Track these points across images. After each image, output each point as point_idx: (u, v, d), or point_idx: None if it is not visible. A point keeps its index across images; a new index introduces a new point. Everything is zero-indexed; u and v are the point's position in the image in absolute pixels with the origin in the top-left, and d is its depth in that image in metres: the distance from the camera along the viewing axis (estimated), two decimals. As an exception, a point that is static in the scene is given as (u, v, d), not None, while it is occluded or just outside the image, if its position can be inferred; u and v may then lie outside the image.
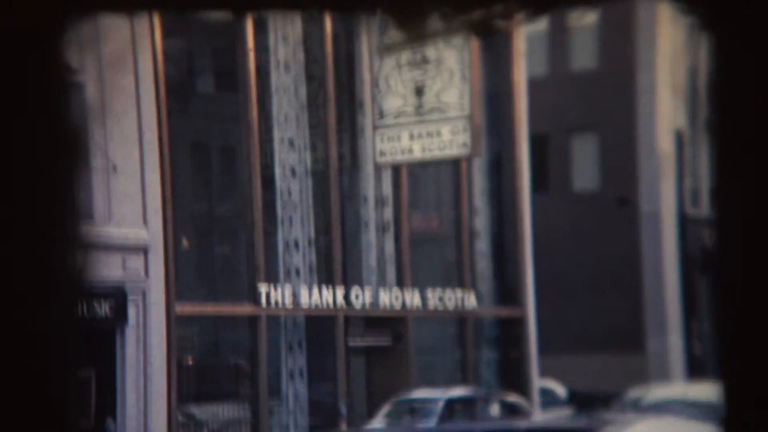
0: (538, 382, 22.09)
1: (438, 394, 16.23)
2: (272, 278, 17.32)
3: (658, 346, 24.98)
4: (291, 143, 18.02)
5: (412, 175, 20.49)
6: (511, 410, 18.55)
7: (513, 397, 19.69)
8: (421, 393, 16.83)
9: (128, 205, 13.64)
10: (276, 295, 17.24)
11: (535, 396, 21.65)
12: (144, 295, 14.06)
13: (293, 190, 18.07)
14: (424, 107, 18.37)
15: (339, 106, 18.65)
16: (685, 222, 24.89)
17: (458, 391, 16.77)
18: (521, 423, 13.74)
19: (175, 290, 15.30)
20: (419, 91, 18.32)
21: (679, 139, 24.64)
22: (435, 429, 14.17)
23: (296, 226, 18.07)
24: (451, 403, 15.80)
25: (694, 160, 25.34)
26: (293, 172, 18.08)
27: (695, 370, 24.57)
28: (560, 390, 22.86)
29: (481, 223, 21.95)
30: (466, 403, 16.28)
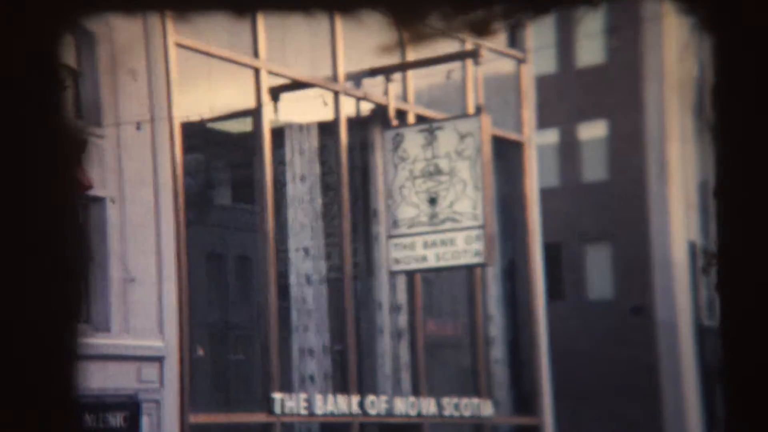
0: (555, 492, 21.72)
1: None
2: (287, 386, 17.31)
3: (678, 456, 24.58)
4: (306, 252, 18.26)
5: (427, 282, 20.59)
6: None
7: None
8: None
9: (144, 315, 13.82)
10: (291, 403, 17.20)
11: (553, 506, 21.29)
12: (158, 404, 14.12)
13: (308, 297, 18.21)
14: (438, 216, 18.64)
15: (354, 216, 18.92)
16: (702, 332, 24.74)
17: None
18: None
19: (190, 399, 15.36)
20: (433, 201, 18.62)
21: (693, 251, 24.69)
22: None
23: (311, 334, 18.13)
24: None
25: (707, 270, 25.33)
26: (308, 279, 18.25)
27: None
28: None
29: (497, 329, 21.91)
30: None
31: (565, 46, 25.35)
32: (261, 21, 16.82)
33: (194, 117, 15.55)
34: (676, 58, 24.94)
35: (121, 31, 13.74)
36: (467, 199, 18.56)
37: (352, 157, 18.88)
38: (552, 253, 24.00)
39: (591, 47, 25.65)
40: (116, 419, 13.19)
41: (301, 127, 18.16)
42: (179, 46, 15.21)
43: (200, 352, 16.33)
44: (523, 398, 21.98)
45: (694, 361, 24.51)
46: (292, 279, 17.92)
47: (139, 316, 13.56)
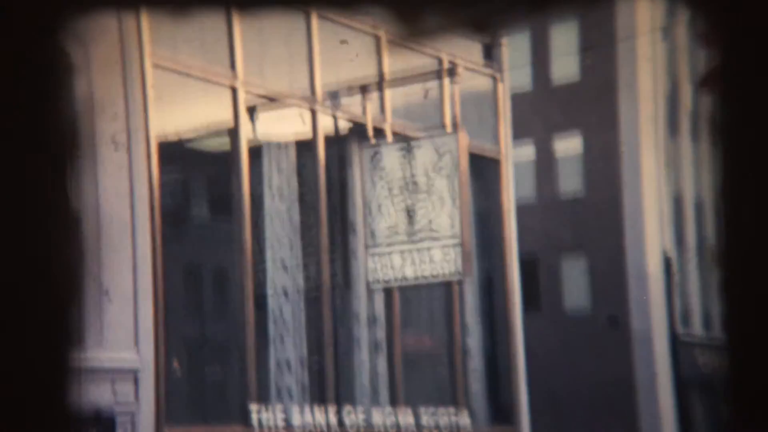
0: (531, 502, 21.83)
1: None
2: (264, 398, 17.37)
3: (654, 465, 24.72)
4: (283, 265, 18.36)
5: (404, 295, 20.67)
6: None
7: None
8: None
9: (120, 330, 13.86)
10: (267, 414, 17.23)
11: None
12: (133, 418, 14.17)
13: (285, 310, 18.27)
14: (415, 232, 18.76)
15: (331, 230, 18.97)
16: (676, 344, 24.93)
17: None
18: None
19: (166, 413, 15.42)
20: (411, 217, 18.75)
21: (667, 262, 24.90)
22: None
23: (288, 347, 18.18)
24: None
25: (682, 283, 25.51)
26: (285, 293, 18.32)
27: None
28: None
29: (474, 342, 22.00)
30: None
31: (541, 64, 25.54)
32: (238, 38, 16.94)
33: (172, 136, 15.65)
34: (649, 73, 25.18)
35: (99, 54, 13.85)
36: (445, 215, 18.68)
37: (329, 173, 18.96)
38: (529, 266, 24.13)
39: (566, 65, 25.84)
40: (91, 434, 13.21)
41: (279, 145, 18.26)
42: (156, 66, 15.31)
43: (176, 365, 16.39)
44: (500, 409, 22.08)
45: (669, 372, 24.66)
46: (269, 292, 17.98)
47: (114, 330, 13.62)
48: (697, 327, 26.35)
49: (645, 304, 25.14)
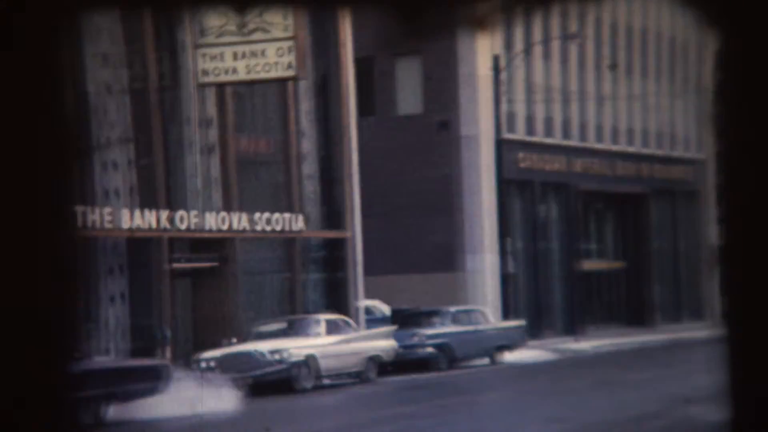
0: (363, 302, 21.86)
1: None
2: (88, 200, 16.16)
3: (474, 264, 25.16)
4: (104, 58, 16.70)
5: (238, 97, 19.58)
6: (335, 328, 18.16)
7: (337, 315, 19.27)
8: None
9: None
10: (93, 216, 16.11)
11: (361, 314, 21.42)
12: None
13: (110, 108, 16.82)
14: (247, 26, 17.37)
15: (156, 21, 17.39)
16: (501, 145, 25.00)
17: None
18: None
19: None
20: (241, 8, 17.29)
21: (496, 64, 24.49)
22: None
23: (114, 147, 16.89)
24: None
25: (509, 85, 25.30)
26: (108, 89, 16.80)
27: (508, 285, 24.97)
28: (384, 308, 22.76)
29: (308, 145, 21.32)
30: None
31: None
32: None
33: None
34: None
35: None
36: (278, 8, 17.25)
37: (154, -43, 17.10)
38: (364, 68, 23.22)
39: None
40: None
41: None
42: None
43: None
44: (334, 213, 21.73)
45: (493, 173, 24.78)
46: (90, 87, 16.40)
47: None
48: (521, 129, 26.47)
49: (473, 106, 24.87)
